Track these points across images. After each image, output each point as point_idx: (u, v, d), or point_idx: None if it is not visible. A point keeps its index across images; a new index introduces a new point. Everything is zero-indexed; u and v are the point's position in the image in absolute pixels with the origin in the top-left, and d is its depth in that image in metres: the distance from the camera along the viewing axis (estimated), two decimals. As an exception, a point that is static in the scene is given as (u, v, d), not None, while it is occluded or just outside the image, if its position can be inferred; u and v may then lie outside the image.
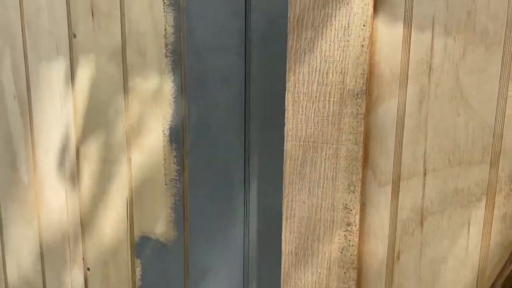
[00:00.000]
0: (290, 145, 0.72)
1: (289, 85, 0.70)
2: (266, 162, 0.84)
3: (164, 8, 0.85)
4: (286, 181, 0.73)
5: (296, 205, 0.73)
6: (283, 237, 0.75)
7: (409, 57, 0.68)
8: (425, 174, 0.70)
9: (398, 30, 0.68)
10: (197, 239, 0.92)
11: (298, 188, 0.73)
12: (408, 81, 0.69)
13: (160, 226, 0.95)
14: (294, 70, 0.69)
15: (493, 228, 0.68)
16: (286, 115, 0.71)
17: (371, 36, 0.66)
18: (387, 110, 0.70)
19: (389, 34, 0.68)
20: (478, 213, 0.69)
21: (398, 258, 0.74)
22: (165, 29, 0.86)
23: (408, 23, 0.67)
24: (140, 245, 0.97)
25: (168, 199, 0.93)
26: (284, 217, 0.75)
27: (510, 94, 0.64)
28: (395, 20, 0.68)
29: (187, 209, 0.92)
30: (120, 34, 0.89)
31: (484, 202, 0.68)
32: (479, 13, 0.64)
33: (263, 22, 0.79)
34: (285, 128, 0.71)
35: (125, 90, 0.91)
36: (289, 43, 0.69)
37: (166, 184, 0.93)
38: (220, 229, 0.90)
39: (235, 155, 0.86)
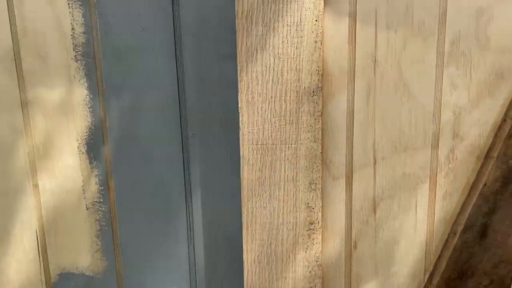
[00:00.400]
0: (247, 150, 0.67)
1: (242, 85, 0.65)
2: (209, 170, 0.77)
3: (68, 3, 0.71)
4: (244, 188, 0.69)
5: (257, 211, 0.69)
6: (244, 247, 0.71)
7: (355, 51, 0.69)
8: (375, 164, 0.73)
9: (344, 24, 0.68)
10: (133, 266, 0.82)
11: (258, 193, 0.69)
12: (356, 75, 0.70)
13: (84, 258, 0.81)
14: (246, 70, 0.65)
15: (436, 206, 0.74)
16: (240, 118, 0.66)
17: (323, 32, 0.65)
18: (337, 105, 0.71)
19: (335, 29, 0.68)
20: (423, 194, 0.74)
21: (355, 247, 0.76)
22: (73, 28, 0.72)
23: (352, 17, 0.68)
24: (60, 284, 0.82)
25: (92, 226, 0.80)
26: (244, 226, 0.70)
27: (445, 81, 0.70)
28: (340, 14, 0.68)
29: (117, 234, 0.81)
30: (10, 35, 0.72)
31: (428, 183, 0.73)
32: (416, 6, 0.67)
33: (194, 17, 0.72)
34: (240, 133, 0.67)
35: (23, 103, 0.75)
36: (239, 40, 0.64)
37: (87, 209, 0.79)
38: (160, 250, 0.81)
39: (172, 165, 0.78)
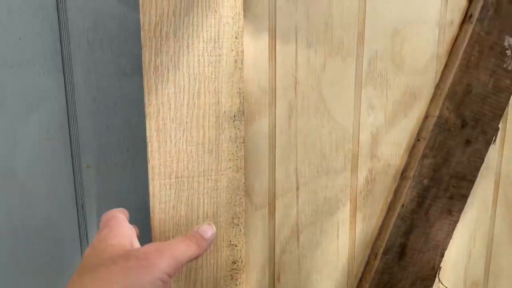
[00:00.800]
0: (158, 185, 0.57)
1: (151, 110, 0.55)
2: (109, 208, 0.65)
3: None
4: (156, 231, 0.58)
5: (172, 255, 0.60)
6: (157, 298, 0.61)
7: (275, 71, 0.63)
8: (297, 189, 0.68)
9: (264, 42, 0.62)
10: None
11: (172, 235, 0.59)
12: (277, 97, 0.64)
13: None
14: (156, 92, 0.55)
15: (357, 229, 0.72)
16: (149, 149, 0.56)
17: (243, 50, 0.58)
18: (258, 129, 0.64)
19: (255, 46, 0.62)
20: (345, 217, 0.71)
21: (279, 280, 0.70)
22: None
23: (272, 34, 0.62)
24: None
25: (-47, 288, 0.62)
26: (156, 273, 0.60)
27: (363, 101, 0.68)
28: (259, 31, 0.61)
29: (-11, 293, 0.64)
30: None
31: (348, 206, 0.71)
32: (335, 25, 0.64)
33: (87, 25, 0.60)
34: (149, 165, 0.56)
35: None
36: (145, 58, 0.54)
37: None
38: (50, 306, 0.66)
39: (62, 204, 0.64)
